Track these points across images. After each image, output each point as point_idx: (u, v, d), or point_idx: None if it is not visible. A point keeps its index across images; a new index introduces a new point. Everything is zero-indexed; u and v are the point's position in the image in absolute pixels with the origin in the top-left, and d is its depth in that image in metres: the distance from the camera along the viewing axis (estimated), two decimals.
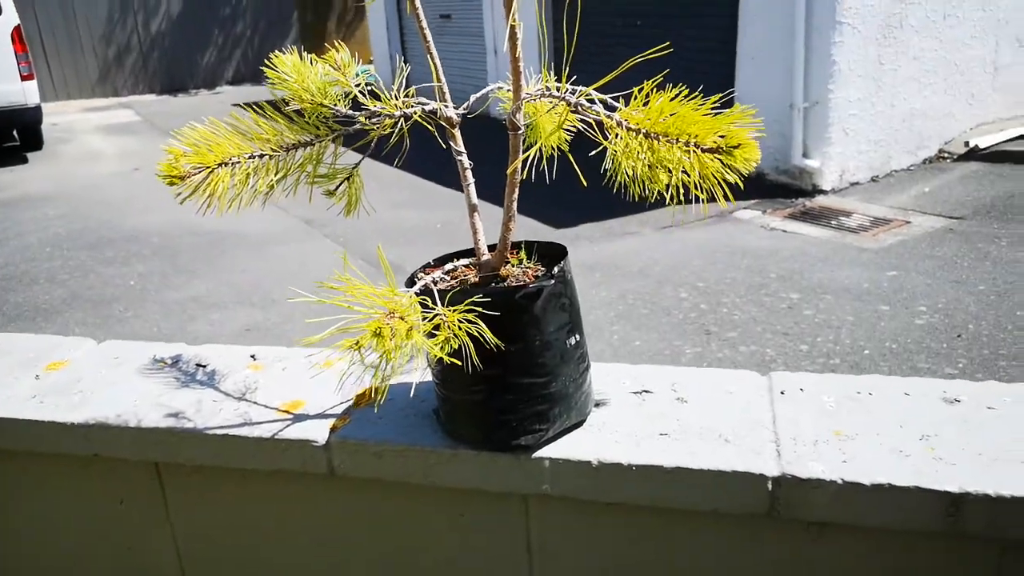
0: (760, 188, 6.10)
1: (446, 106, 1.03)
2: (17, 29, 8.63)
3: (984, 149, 6.39)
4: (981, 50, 6.59)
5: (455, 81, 10.14)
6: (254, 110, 0.90)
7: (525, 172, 1.00)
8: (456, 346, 0.87)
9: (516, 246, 1.10)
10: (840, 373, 3.31)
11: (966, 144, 6.46)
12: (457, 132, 1.04)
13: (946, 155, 6.51)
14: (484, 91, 1.11)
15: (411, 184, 6.88)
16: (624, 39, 7.20)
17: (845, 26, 5.68)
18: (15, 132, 9.49)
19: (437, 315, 0.88)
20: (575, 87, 0.98)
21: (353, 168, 1.00)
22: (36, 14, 13.07)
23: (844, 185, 6.08)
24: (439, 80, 1.03)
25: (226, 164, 0.83)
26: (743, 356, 3.52)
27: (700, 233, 5.29)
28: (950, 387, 1.06)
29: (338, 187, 0.96)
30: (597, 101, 0.93)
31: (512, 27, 0.91)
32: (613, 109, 0.91)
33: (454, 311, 0.88)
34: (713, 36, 6.58)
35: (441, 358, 0.87)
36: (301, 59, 1.08)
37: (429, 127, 1.03)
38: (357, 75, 1.08)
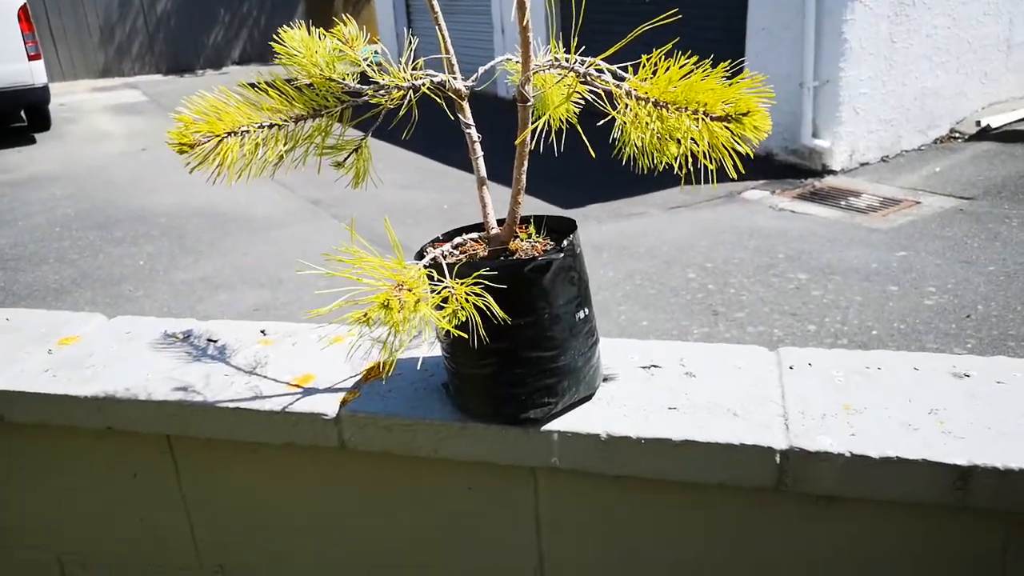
0: (769, 168, 6.06)
1: (454, 78, 1.03)
2: (24, 9, 8.61)
3: (996, 129, 6.32)
4: (994, 28, 6.51)
5: (462, 60, 10.07)
6: (265, 83, 0.90)
7: (533, 145, 1.00)
8: (464, 319, 0.87)
9: (525, 220, 1.10)
10: None
11: (978, 124, 6.40)
12: (466, 104, 1.04)
13: (957, 135, 6.45)
14: (493, 63, 1.11)
15: (418, 165, 6.87)
16: (631, 17, 7.14)
17: (857, 3, 5.61)
18: (23, 112, 9.50)
19: (445, 288, 0.88)
20: (584, 58, 0.97)
21: (362, 140, 1.00)
22: None
23: (854, 165, 6.04)
24: (447, 52, 1.03)
25: (236, 133, 0.83)
26: (751, 336, 3.51)
27: (708, 213, 5.27)
28: (959, 362, 1.06)
29: (347, 158, 0.96)
30: (606, 71, 0.93)
31: None
32: (622, 80, 0.90)
33: (462, 284, 0.88)
34: (722, 14, 6.52)
35: (450, 331, 0.87)
36: (309, 33, 1.07)
37: (437, 99, 1.02)
38: (365, 58, 1.07)
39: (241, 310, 4.25)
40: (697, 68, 0.85)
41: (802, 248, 4.52)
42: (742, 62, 6.22)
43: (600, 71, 0.88)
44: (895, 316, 3.60)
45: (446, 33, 1.02)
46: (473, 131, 1.05)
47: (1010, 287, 3.81)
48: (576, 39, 0.99)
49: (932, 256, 4.26)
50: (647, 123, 0.80)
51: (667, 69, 0.82)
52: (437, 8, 1.02)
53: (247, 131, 0.84)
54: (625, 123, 0.86)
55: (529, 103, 0.97)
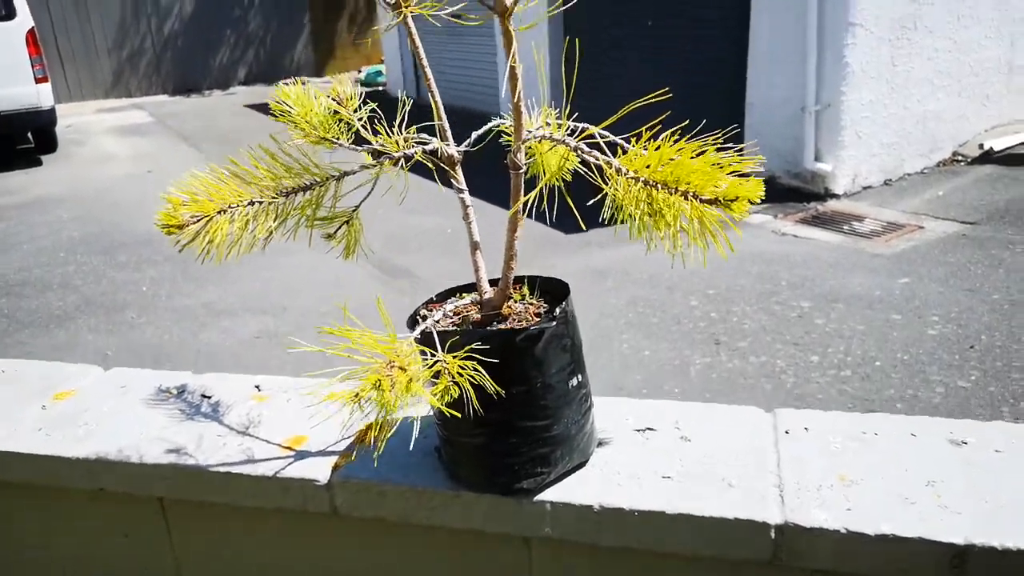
0: (771, 192, 6.05)
1: (447, 144, 1.03)
2: (31, 32, 8.69)
3: (999, 152, 6.32)
4: (996, 50, 6.52)
5: (469, 82, 10.14)
6: (255, 160, 0.90)
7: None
8: (457, 394, 0.86)
9: (519, 280, 1.09)
10: (850, 385, 3.29)
11: (980, 147, 6.40)
12: (458, 170, 1.04)
13: (960, 158, 6.45)
14: (486, 127, 1.11)
15: (426, 188, 6.88)
16: (634, 40, 7.17)
17: (858, 27, 5.63)
18: (30, 134, 9.56)
19: (438, 362, 0.87)
20: (577, 124, 0.97)
21: (352, 212, 1.00)
22: (51, 16, 13.16)
23: (856, 189, 6.03)
24: (440, 118, 1.03)
25: (225, 211, 0.83)
26: (753, 367, 3.49)
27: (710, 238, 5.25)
28: (956, 428, 1.05)
29: (337, 230, 0.96)
30: (599, 140, 0.92)
31: (512, 68, 0.91)
32: (614, 153, 0.90)
33: (455, 358, 0.88)
34: (724, 38, 6.55)
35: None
36: (304, 91, 1.08)
37: (430, 166, 1.03)
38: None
39: (243, 337, 4.24)
40: (690, 139, 0.84)
41: (805, 275, 4.50)
42: (735, 128, 6.24)
43: (593, 145, 0.88)
44: (898, 346, 3.58)
45: (439, 100, 1.03)
46: (466, 196, 1.06)
47: (1014, 316, 3.78)
48: (568, 107, 0.99)
49: (935, 283, 4.24)
50: (638, 200, 0.80)
51: (658, 147, 0.82)
52: (430, 75, 1.02)
53: (236, 208, 0.84)
54: (617, 196, 0.86)
55: (522, 170, 0.97)
